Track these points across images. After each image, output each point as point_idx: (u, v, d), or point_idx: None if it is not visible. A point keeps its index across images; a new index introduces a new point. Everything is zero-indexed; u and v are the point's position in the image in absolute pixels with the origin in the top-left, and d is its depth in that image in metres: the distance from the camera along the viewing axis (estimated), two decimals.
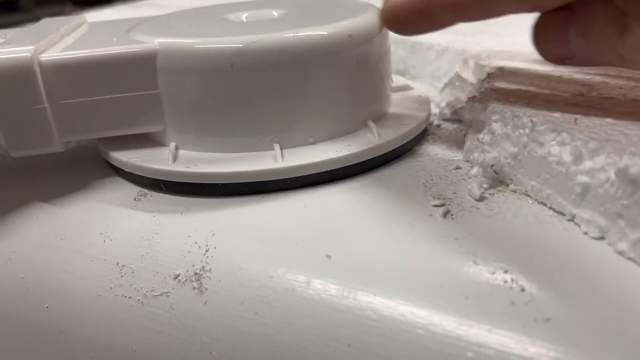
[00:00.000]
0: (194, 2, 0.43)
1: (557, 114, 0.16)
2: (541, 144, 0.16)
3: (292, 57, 0.18)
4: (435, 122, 0.23)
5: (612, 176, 0.14)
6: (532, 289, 0.13)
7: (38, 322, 0.18)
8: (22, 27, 0.24)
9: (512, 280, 0.14)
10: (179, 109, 0.19)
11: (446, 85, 0.24)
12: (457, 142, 0.21)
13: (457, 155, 0.20)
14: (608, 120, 0.16)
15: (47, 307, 0.18)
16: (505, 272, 0.14)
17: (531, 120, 0.16)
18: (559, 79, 0.19)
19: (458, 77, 0.23)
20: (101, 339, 0.17)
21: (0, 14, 0.93)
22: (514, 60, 0.22)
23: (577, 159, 0.15)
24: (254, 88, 0.18)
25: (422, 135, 0.21)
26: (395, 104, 0.23)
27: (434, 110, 0.25)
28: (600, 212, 0.14)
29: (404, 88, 0.24)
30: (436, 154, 0.20)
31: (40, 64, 0.18)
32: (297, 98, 0.19)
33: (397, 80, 0.25)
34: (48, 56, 0.18)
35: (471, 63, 0.23)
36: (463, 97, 0.23)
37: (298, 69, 0.18)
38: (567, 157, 0.15)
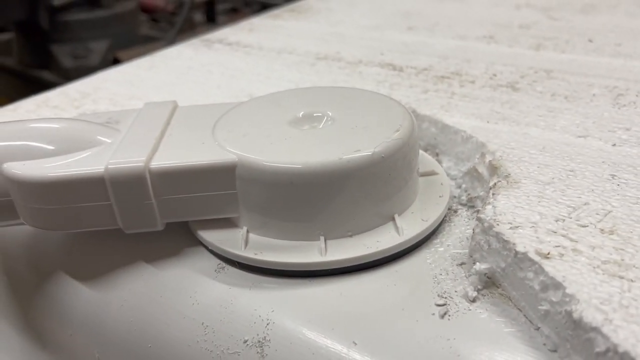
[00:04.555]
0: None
1: (535, 245, 0.21)
2: (521, 268, 0.21)
3: (336, 177, 0.24)
4: (454, 206, 0.29)
5: (564, 312, 0.19)
6: None
7: (143, 357, 0.25)
8: (127, 111, 0.30)
9: None
10: (251, 205, 0.25)
11: (466, 174, 0.29)
12: (467, 234, 0.26)
13: (465, 249, 0.25)
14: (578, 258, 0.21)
15: (150, 346, 0.25)
16: None
17: (515, 249, 0.21)
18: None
19: (475, 170, 0.28)
20: None
21: (83, 10, 1.01)
22: (522, 164, 0.27)
23: (544, 288, 0.20)
24: (308, 197, 0.24)
25: (440, 225, 0.27)
26: (422, 189, 0.28)
27: (455, 191, 0.30)
28: (555, 332, 0.20)
29: (430, 173, 0.29)
30: (449, 245, 0.26)
31: (150, 171, 0.24)
32: (339, 204, 0.24)
33: (425, 160, 0.31)
34: (155, 165, 0.24)
35: (487, 160, 0.28)
36: (478, 188, 0.28)
37: (341, 184, 0.24)
38: (537, 286, 0.20)
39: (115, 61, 1.00)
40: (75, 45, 1.05)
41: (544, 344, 0.20)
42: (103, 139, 0.27)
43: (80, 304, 0.28)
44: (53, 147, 0.26)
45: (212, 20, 1.47)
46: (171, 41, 1.09)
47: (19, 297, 0.32)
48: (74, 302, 0.28)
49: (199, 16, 1.51)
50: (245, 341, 0.23)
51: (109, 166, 0.24)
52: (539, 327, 0.21)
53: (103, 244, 0.29)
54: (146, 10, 1.41)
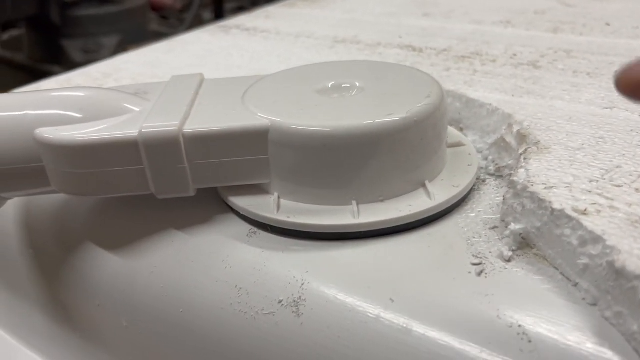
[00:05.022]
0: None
1: (571, 203, 0.21)
2: (558, 226, 0.21)
3: (369, 140, 0.24)
4: (482, 176, 0.29)
5: (604, 263, 0.19)
6: (537, 341, 0.19)
7: (174, 322, 0.25)
8: (155, 83, 0.30)
9: (524, 333, 0.19)
10: (282, 170, 0.25)
11: (493, 144, 0.29)
12: (497, 201, 0.26)
13: (496, 214, 0.25)
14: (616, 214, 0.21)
15: (182, 311, 0.25)
16: (519, 326, 0.19)
17: (552, 207, 0.21)
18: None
19: (503, 140, 0.28)
20: (222, 340, 0.24)
21: (94, 5, 1.02)
22: (551, 132, 0.27)
23: (582, 243, 0.20)
24: (341, 161, 0.24)
25: (469, 193, 0.27)
26: (450, 160, 0.28)
27: (482, 163, 0.30)
28: (595, 286, 0.20)
29: (458, 144, 0.29)
30: (480, 211, 0.26)
31: (183, 135, 0.24)
32: (371, 168, 0.24)
33: (452, 133, 0.31)
34: (188, 129, 0.24)
35: (515, 129, 0.28)
36: (506, 158, 0.28)
37: (374, 147, 0.24)
38: (575, 241, 0.20)
39: None
40: (86, 40, 1.06)
41: (583, 299, 0.20)
42: (132, 107, 0.27)
43: (108, 273, 0.28)
44: (81, 115, 0.26)
45: (220, 18, 1.47)
46: None
47: (44, 270, 0.32)
48: (102, 271, 0.28)
49: (207, 14, 1.51)
50: (280, 301, 0.23)
51: (143, 130, 0.24)
52: (577, 283, 0.21)
53: (131, 213, 0.29)
54: (155, 8, 1.41)
